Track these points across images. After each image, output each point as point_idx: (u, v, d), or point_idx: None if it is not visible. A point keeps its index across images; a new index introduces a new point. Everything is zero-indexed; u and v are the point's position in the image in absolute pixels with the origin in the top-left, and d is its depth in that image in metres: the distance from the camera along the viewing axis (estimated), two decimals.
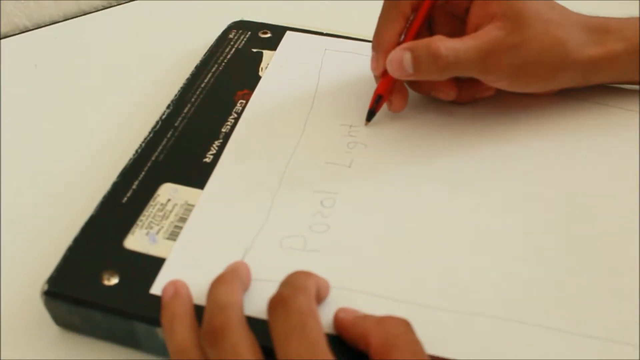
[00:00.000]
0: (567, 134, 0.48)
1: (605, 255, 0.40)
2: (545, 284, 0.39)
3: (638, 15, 0.48)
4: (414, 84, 0.49)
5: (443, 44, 0.44)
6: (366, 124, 0.49)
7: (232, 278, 0.37)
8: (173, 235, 0.41)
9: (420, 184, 0.44)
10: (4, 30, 0.66)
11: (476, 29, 0.45)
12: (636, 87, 0.50)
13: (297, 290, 0.34)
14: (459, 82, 0.48)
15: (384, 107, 0.49)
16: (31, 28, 0.67)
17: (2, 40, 0.65)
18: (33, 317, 0.41)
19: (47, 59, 0.62)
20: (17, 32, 0.67)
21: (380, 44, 0.47)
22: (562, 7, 0.47)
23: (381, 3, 0.48)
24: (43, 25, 0.68)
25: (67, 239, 0.41)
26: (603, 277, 0.39)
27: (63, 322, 0.40)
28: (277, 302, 0.34)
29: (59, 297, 0.39)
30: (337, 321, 0.36)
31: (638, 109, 0.49)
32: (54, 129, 0.55)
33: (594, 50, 0.46)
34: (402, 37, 0.48)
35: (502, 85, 0.46)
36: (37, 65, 0.62)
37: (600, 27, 0.47)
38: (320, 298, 0.37)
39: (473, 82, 0.47)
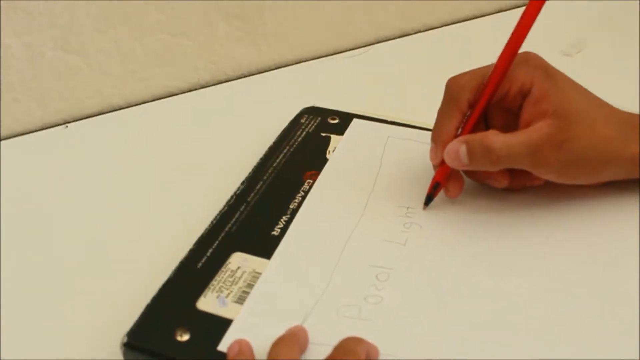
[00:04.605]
0: (613, 223, 0.50)
1: None
2: None
3: None
4: (469, 173, 0.52)
5: (496, 139, 0.47)
6: (424, 209, 0.52)
7: (291, 340, 0.40)
8: (241, 299, 0.45)
9: (470, 264, 0.47)
10: (99, 108, 0.73)
11: (528, 124, 0.48)
12: None
13: (348, 354, 0.37)
14: (511, 172, 0.51)
15: (441, 192, 0.52)
16: (124, 107, 0.74)
17: (98, 117, 0.72)
18: None
19: (136, 136, 0.69)
20: (111, 110, 0.73)
21: (439, 137, 0.50)
22: (609, 106, 0.49)
23: (442, 93, 0.51)
24: (134, 104, 0.74)
25: (146, 298, 0.46)
26: None
27: None
28: None
29: (137, 349, 0.43)
30: None
31: None
32: (142, 199, 0.60)
33: (637, 147, 0.48)
34: (460, 130, 0.51)
35: (551, 177, 0.49)
36: (127, 141, 0.68)
37: None
38: None
39: (524, 172, 0.49)
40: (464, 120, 0.51)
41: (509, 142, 0.47)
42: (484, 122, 0.52)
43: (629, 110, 0.50)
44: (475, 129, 0.50)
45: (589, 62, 0.74)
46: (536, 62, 0.49)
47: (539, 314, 0.44)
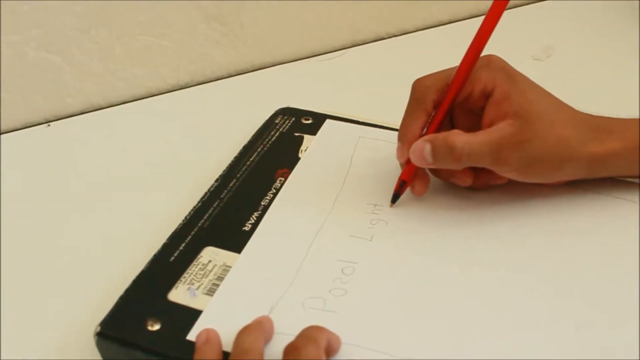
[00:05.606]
0: (571, 220, 0.52)
1: (598, 326, 0.44)
2: (545, 354, 0.42)
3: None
4: (434, 171, 0.54)
5: (459, 138, 0.49)
6: (391, 206, 0.54)
7: (256, 328, 0.42)
8: (211, 291, 0.47)
9: (433, 259, 0.49)
10: (80, 107, 0.74)
11: (490, 124, 0.50)
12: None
13: (309, 341, 0.39)
14: (475, 171, 0.53)
15: (408, 190, 0.54)
16: (105, 106, 0.76)
17: (79, 116, 0.73)
18: (85, 356, 0.47)
19: (118, 133, 0.70)
20: (92, 109, 0.75)
21: (405, 136, 0.52)
22: (569, 107, 0.51)
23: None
24: (115, 104, 0.76)
25: (120, 289, 0.47)
26: (588, 347, 0.43)
27: None
28: (290, 350, 0.39)
29: (109, 338, 0.45)
30: None
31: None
32: (121, 196, 0.62)
33: (595, 148, 0.50)
34: (425, 129, 0.52)
35: (512, 175, 0.51)
36: (108, 139, 0.69)
37: (602, 127, 0.51)
38: (332, 351, 0.42)
39: (487, 171, 0.51)
40: (429, 120, 0.52)
41: (471, 141, 0.49)
42: (449, 123, 0.54)
43: (594, 112, 0.52)
44: (440, 129, 0.52)
45: (558, 66, 0.76)
46: (498, 65, 0.51)
47: (499, 306, 0.45)
